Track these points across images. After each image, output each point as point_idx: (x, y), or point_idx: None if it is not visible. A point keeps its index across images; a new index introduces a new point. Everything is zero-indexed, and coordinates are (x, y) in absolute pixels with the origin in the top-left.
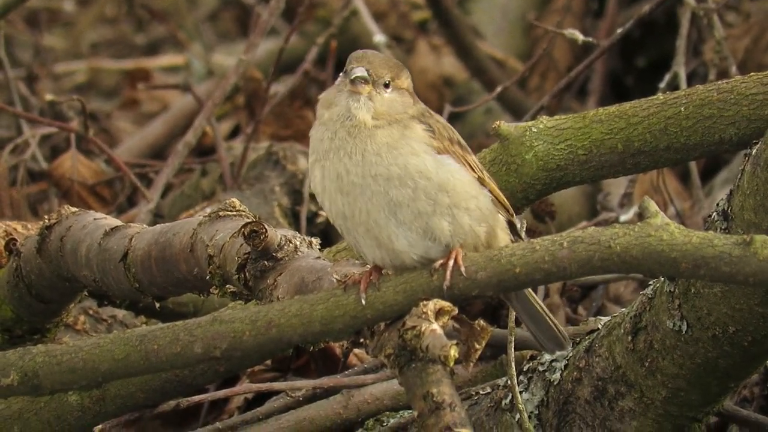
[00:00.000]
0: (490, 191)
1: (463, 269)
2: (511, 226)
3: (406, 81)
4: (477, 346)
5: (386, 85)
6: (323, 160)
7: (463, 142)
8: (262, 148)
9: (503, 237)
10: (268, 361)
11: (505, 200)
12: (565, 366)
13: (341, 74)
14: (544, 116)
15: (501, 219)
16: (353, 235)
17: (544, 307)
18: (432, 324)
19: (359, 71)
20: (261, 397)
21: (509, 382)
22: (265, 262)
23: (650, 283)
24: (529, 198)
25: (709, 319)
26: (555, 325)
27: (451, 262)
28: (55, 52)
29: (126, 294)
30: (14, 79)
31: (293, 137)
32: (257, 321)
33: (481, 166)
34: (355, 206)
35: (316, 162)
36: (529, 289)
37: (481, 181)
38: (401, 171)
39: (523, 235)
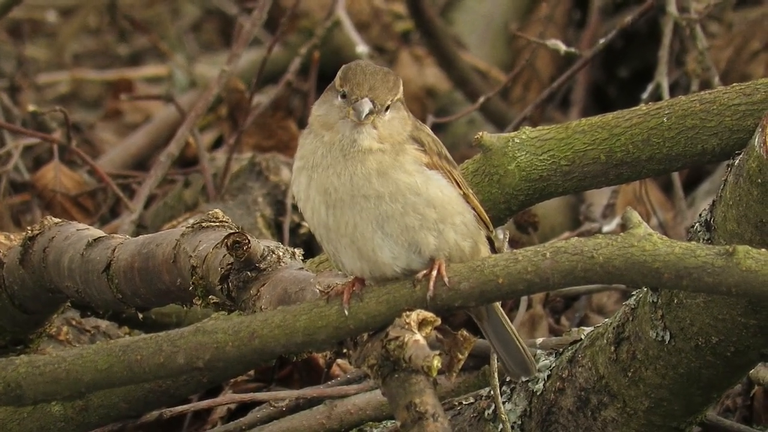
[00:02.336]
0: (474, 208)
1: (446, 279)
2: (491, 242)
3: (400, 92)
4: (460, 357)
5: (387, 108)
6: (311, 170)
7: (450, 157)
8: (245, 158)
9: (486, 253)
10: (252, 372)
11: (486, 217)
12: (548, 376)
13: (339, 96)
14: (527, 127)
15: (483, 236)
16: (334, 245)
17: (514, 330)
18: (415, 334)
19: (367, 107)
20: (244, 408)
21: (492, 392)
22: (248, 272)
23: (633, 293)
24: (512, 209)
25: (691, 330)
26: (524, 349)
27: (434, 273)
28: (38, 62)
29: (109, 305)
30: None
31: (276, 148)
32: (240, 332)
33: (466, 183)
34: (341, 219)
35: (303, 169)
36: (501, 311)
37: (467, 198)
38: (392, 188)
39: (505, 245)
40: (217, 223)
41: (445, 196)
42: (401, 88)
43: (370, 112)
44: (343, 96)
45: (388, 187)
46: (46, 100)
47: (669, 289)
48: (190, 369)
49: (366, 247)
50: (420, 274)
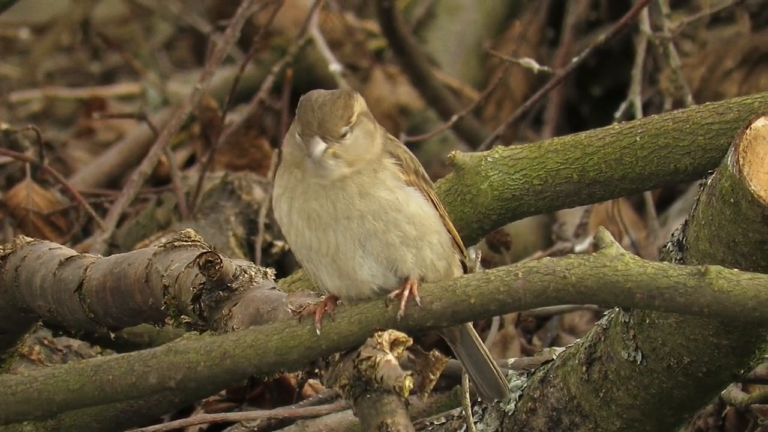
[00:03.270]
0: (449, 230)
1: (418, 299)
2: (464, 267)
3: (358, 108)
4: (432, 377)
5: (344, 135)
6: (291, 198)
7: (426, 176)
8: (218, 177)
9: (458, 272)
10: (223, 392)
11: (460, 242)
12: (520, 396)
13: (297, 134)
14: (500, 146)
15: (457, 259)
16: (314, 264)
17: (488, 352)
18: (387, 355)
19: (318, 147)
20: (216, 428)
21: (464, 412)
22: (220, 292)
23: (605, 313)
24: (485, 228)
25: (663, 350)
26: (497, 371)
27: (406, 293)
28: (10, 80)
29: (81, 324)
30: None
31: (249, 167)
32: (212, 351)
33: (441, 205)
34: (324, 240)
35: (282, 195)
36: (475, 334)
37: (443, 218)
38: (375, 207)
39: (478, 265)
40: (190, 243)
41: (424, 213)
42: (358, 104)
43: (325, 150)
44: (300, 134)
45: (371, 206)
46: (19, 118)
47: (641, 309)
48: (162, 389)
49: (347, 265)
50: (392, 294)
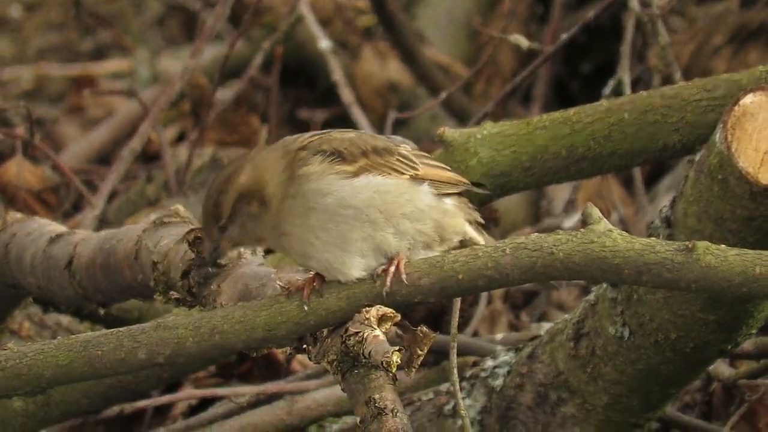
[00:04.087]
0: (430, 178)
1: (404, 276)
2: (468, 194)
3: (227, 197)
4: (419, 353)
5: (223, 230)
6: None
7: (382, 144)
8: (207, 154)
9: (454, 224)
10: (212, 367)
11: (451, 176)
12: (508, 372)
13: None
14: (489, 122)
15: (450, 209)
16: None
17: None
18: (375, 330)
19: (209, 257)
20: (205, 403)
21: (451, 388)
22: (209, 268)
23: (593, 289)
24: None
25: (651, 326)
26: None
27: (392, 269)
28: (1, 57)
29: (71, 300)
30: None
31: (238, 143)
32: (201, 327)
33: (415, 156)
34: (315, 255)
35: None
36: None
37: (416, 177)
38: (326, 215)
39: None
40: (179, 219)
41: (383, 193)
42: (225, 194)
43: (219, 256)
44: None
45: (324, 215)
46: (9, 95)
47: (629, 285)
48: (151, 364)
49: (333, 268)
50: (379, 269)
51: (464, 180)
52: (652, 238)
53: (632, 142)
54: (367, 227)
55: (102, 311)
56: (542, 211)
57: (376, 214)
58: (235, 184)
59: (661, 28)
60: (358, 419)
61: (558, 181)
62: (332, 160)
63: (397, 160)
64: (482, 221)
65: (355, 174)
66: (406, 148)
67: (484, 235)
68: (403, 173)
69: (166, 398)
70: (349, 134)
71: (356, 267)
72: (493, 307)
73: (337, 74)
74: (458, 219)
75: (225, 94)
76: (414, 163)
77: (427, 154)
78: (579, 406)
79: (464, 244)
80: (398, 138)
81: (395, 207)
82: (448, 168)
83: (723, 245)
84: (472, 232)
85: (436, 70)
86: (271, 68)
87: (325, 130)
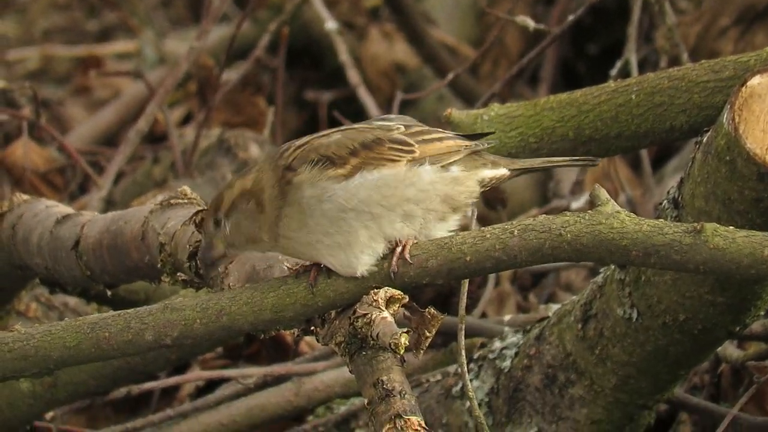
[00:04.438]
0: (430, 154)
1: (408, 256)
2: (476, 152)
3: (232, 192)
4: (427, 334)
5: (217, 223)
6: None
7: (371, 136)
8: (214, 135)
9: (464, 190)
10: (219, 349)
11: (450, 144)
12: (516, 354)
13: None
14: (496, 104)
15: (454, 174)
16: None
17: None
18: (383, 312)
19: (204, 251)
20: (212, 385)
21: (459, 369)
22: (205, 261)
23: (601, 270)
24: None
25: (659, 307)
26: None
27: (398, 250)
28: (8, 38)
29: (78, 282)
30: None
31: (245, 124)
32: (208, 309)
33: (410, 136)
34: (320, 256)
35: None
36: None
37: (413, 160)
38: (326, 222)
39: (474, 223)
40: (186, 201)
41: (381, 187)
42: (229, 190)
43: (211, 249)
44: None
45: (324, 220)
46: (16, 76)
47: (637, 267)
48: (158, 346)
49: (350, 265)
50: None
51: (466, 143)
52: (660, 220)
53: (639, 123)
54: (372, 224)
55: (109, 292)
56: (550, 192)
57: (378, 209)
58: (240, 182)
59: (668, 9)
60: (365, 401)
61: None
62: (321, 165)
63: (389, 149)
64: (499, 161)
65: (349, 175)
66: (400, 129)
67: (501, 165)
68: (398, 160)
69: (173, 380)
70: (335, 135)
71: (363, 264)
72: (501, 289)
73: (344, 55)
74: (467, 182)
75: (231, 75)
76: (410, 145)
77: (425, 128)
78: (587, 387)
79: (487, 186)
80: (393, 116)
81: (397, 197)
82: (450, 134)
83: (731, 227)
84: (489, 173)
85: (442, 52)
86: (277, 49)
87: (307, 138)
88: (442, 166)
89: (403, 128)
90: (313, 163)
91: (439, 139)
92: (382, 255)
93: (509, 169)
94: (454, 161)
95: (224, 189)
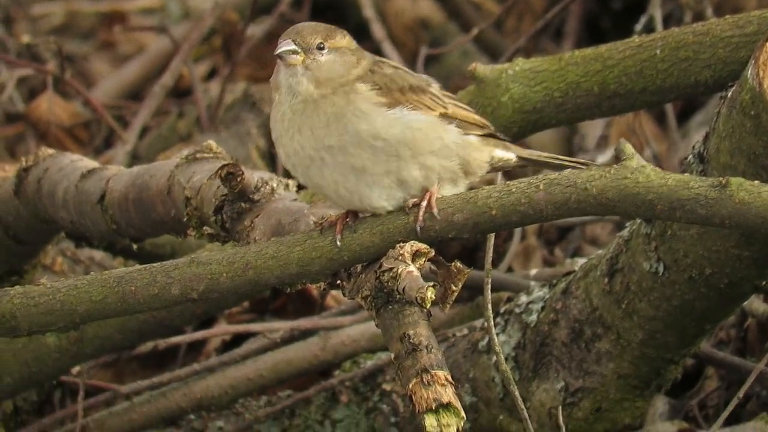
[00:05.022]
0: (458, 118)
1: (435, 211)
2: (494, 136)
3: (343, 40)
4: (454, 288)
5: (320, 48)
6: (281, 138)
7: (416, 82)
8: (239, 89)
9: (479, 158)
10: (246, 303)
11: (476, 118)
12: (542, 308)
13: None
14: (520, 58)
15: (474, 142)
16: (332, 199)
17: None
18: (409, 266)
19: (284, 45)
20: (238, 339)
21: (486, 324)
22: (242, 204)
23: (626, 225)
24: None
25: (685, 261)
26: (566, 161)
27: (424, 203)
28: None
29: (103, 236)
30: None
31: (269, 79)
32: (234, 263)
33: (444, 96)
34: (323, 177)
35: (277, 140)
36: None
37: (445, 115)
38: (353, 138)
39: (499, 177)
40: (211, 155)
41: (414, 129)
42: (344, 36)
43: (292, 51)
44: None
45: (349, 137)
46: (41, 31)
47: (662, 221)
48: (184, 300)
49: (354, 198)
50: (410, 202)
51: (489, 124)
52: (686, 174)
53: (664, 78)
54: (392, 162)
55: (135, 246)
56: (575, 147)
57: (404, 151)
58: (347, 37)
59: None
60: (392, 355)
61: (590, 117)
62: (372, 88)
63: (429, 97)
64: (510, 147)
65: (390, 105)
66: (436, 87)
67: (512, 150)
68: (433, 110)
69: (199, 334)
70: (389, 69)
71: (375, 196)
72: (527, 243)
73: (369, 10)
74: (483, 152)
75: (256, 30)
76: (444, 101)
77: (453, 96)
78: (614, 342)
79: (494, 166)
80: (426, 77)
81: (425, 144)
82: (474, 111)
83: (757, 181)
84: (500, 153)
85: (467, 7)
86: (301, 4)
87: (384, 61)
88: (465, 133)
89: (438, 86)
90: (373, 82)
91: (466, 109)
92: (396, 198)
93: (517, 156)
94: (475, 133)
95: (331, 26)
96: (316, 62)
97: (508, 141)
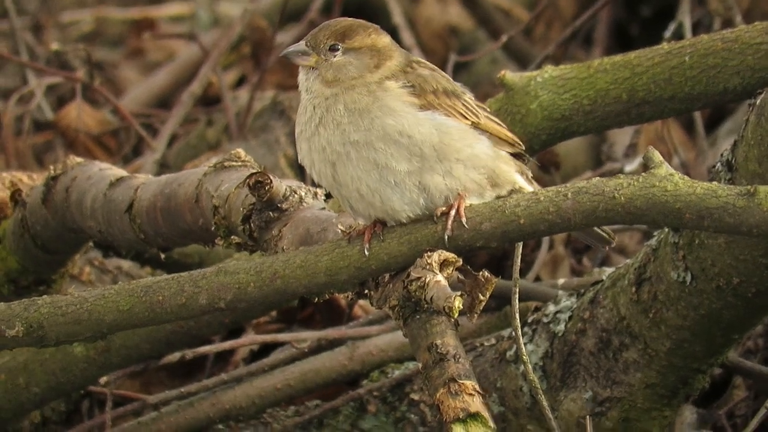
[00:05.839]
0: (489, 131)
1: (464, 219)
2: (519, 157)
3: (366, 39)
4: (481, 298)
5: (334, 49)
6: (305, 133)
7: (451, 87)
8: (268, 97)
9: (507, 171)
10: (273, 313)
11: (509, 134)
12: (570, 317)
13: None
14: (549, 66)
15: (504, 155)
16: (348, 203)
17: None
18: (436, 275)
19: (294, 46)
20: (266, 349)
21: (514, 333)
22: (270, 212)
23: (654, 234)
24: (534, 148)
25: (713, 270)
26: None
27: (452, 212)
28: (62, 1)
29: (131, 245)
30: (20, 28)
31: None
32: (262, 272)
33: (477, 107)
34: (345, 174)
35: (300, 134)
36: None
37: (476, 126)
38: (380, 133)
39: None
40: (240, 163)
41: (444, 133)
42: (369, 35)
43: (300, 52)
44: None
45: (375, 132)
46: (70, 38)
47: (690, 230)
48: (212, 309)
49: (375, 199)
50: (438, 211)
51: (520, 142)
52: (714, 183)
53: (693, 85)
54: (416, 162)
55: (162, 255)
56: (603, 155)
57: (429, 151)
58: (375, 36)
59: None
60: (420, 365)
61: (619, 125)
62: (404, 86)
63: (463, 104)
64: (531, 175)
65: (422, 107)
66: (470, 96)
67: (534, 185)
68: (466, 118)
69: (227, 344)
70: (425, 71)
71: (397, 199)
72: (555, 252)
73: (398, 17)
74: (511, 167)
75: (285, 37)
76: (477, 111)
77: (487, 108)
78: (641, 351)
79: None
80: (461, 85)
81: (452, 150)
82: (507, 127)
83: None
84: (522, 182)
85: (496, 14)
86: (331, 11)
87: (422, 62)
88: (495, 147)
89: (472, 96)
90: (403, 83)
91: (499, 124)
92: (418, 204)
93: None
94: (506, 150)
95: (356, 24)
96: (327, 63)
97: (533, 162)
